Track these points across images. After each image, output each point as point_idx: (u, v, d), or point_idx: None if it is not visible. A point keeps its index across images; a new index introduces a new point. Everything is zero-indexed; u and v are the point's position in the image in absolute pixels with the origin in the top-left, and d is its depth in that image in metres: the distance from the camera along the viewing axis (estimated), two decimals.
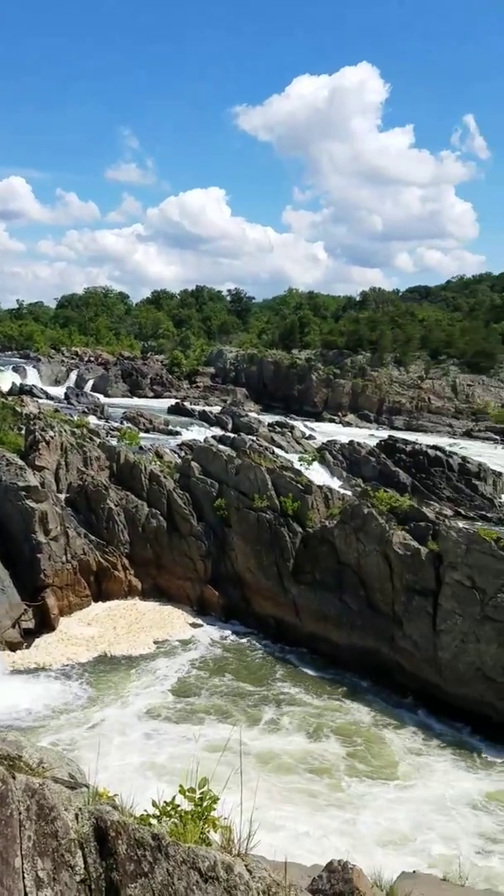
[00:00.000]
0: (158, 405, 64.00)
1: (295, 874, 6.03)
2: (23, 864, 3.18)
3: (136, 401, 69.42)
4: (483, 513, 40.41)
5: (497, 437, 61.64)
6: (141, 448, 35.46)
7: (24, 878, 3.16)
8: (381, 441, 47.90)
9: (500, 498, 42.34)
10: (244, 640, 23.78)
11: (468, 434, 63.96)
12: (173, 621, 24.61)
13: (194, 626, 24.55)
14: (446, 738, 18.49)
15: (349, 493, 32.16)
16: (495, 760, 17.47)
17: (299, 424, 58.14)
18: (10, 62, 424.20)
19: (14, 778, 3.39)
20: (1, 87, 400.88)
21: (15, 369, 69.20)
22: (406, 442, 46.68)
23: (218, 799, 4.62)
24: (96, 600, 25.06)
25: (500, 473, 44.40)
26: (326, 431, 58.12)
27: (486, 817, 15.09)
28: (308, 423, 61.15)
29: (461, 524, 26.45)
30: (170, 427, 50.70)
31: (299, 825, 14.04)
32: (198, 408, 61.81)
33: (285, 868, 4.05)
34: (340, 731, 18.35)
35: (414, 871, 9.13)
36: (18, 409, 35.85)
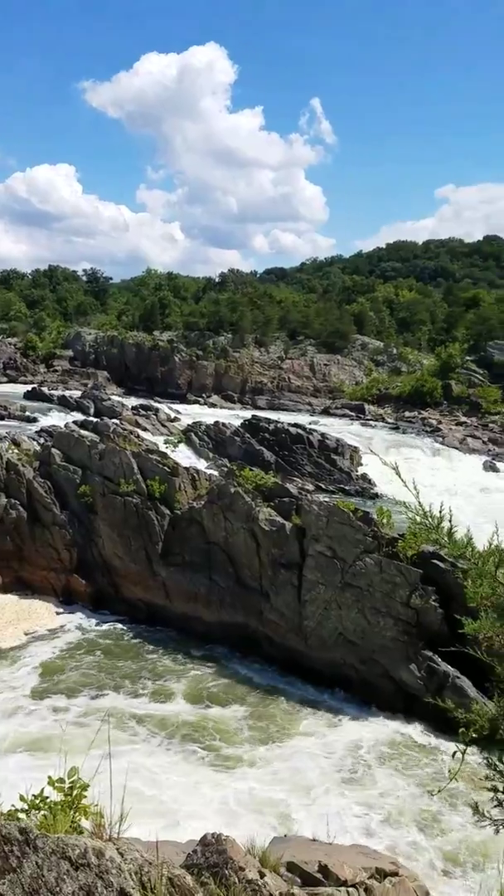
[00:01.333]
0: (13, 391, 61.11)
1: (169, 852, 6.11)
2: None
3: None
4: (342, 486, 42.23)
5: (352, 414, 64.37)
6: None
7: None
8: (245, 421, 48.64)
9: (357, 471, 44.40)
10: (114, 626, 23.54)
11: (326, 412, 66.32)
12: (38, 613, 23.86)
13: (61, 616, 23.95)
14: (314, 700, 19.36)
15: (216, 473, 32.47)
16: (358, 716, 18.50)
17: (164, 407, 57.72)
18: None
19: None
20: None
21: None
22: (269, 421, 47.73)
23: (87, 786, 4.59)
24: None
25: (357, 448, 46.52)
26: (191, 413, 58.14)
27: (349, 772, 15.95)
28: (173, 405, 60.82)
29: (322, 498, 27.55)
30: (27, 413, 48.64)
31: (179, 797, 14.21)
32: (57, 392, 59.72)
33: (157, 847, 4.09)
34: (213, 700, 18.82)
35: (286, 835, 9.51)
36: None
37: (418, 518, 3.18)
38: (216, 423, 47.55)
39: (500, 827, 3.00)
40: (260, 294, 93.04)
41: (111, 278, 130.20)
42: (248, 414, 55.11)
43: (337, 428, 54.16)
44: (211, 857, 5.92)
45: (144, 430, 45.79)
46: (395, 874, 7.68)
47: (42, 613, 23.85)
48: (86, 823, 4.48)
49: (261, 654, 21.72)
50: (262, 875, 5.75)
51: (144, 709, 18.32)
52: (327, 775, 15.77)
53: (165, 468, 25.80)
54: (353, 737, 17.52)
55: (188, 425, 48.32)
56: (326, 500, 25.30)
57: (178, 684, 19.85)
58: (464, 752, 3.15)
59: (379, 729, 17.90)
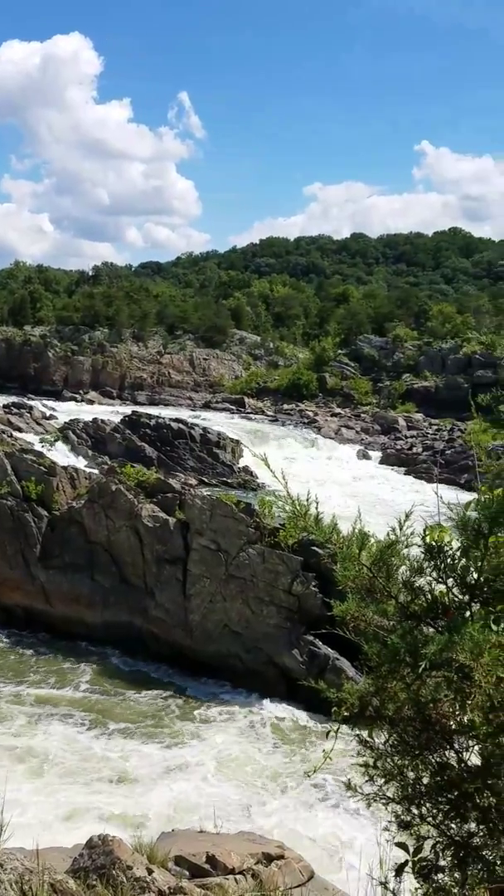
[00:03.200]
0: None
1: (55, 858, 5.97)
2: None
3: None
4: (224, 479, 42.59)
5: (233, 407, 65.02)
6: None
7: None
8: (125, 417, 47.92)
9: (238, 464, 44.93)
10: None
11: (207, 406, 66.60)
12: None
13: None
14: (201, 692, 19.48)
15: (96, 471, 31.78)
16: (244, 704, 18.79)
17: (38, 404, 55.72)
18: None
19: None
20: None
21: None
22: (150, 416, 47.31)
23: None
24: None
25: (238, 441, 47.06)
26: (68, 410, 56.52)
27: (233, 759, 16.20)
28: (48, 403, 58.83)
29: (205, 491, 27.67)
30: None
31: (61, 800, 13.88)
32: None
33: (37, 854, 4.01)
34: (98, 701, 18.50)
35: (173, 830, 9.53)
36: None
37: (287, 507, 3.29)
38: (95, 419, 46.55)
39: (371, 801, 3.16)
40: (136, 288, 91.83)
41: None
42: (128, 410, 54.31)
43: (218, 422, 54.53)
44: (98, 858, 5.85)
45: (18, 429, 44.03)
46: (282, 857, 7.89)
47: None
48: None
49: (148, 652, 21.55)
50: (150, 871, 5.75)
51: (25, 715, 17.71)
52: (212, 763, 15.91)
53: (42, 468, 24.97)
54: (238, 724, 17.79)
55: (65, 423, 47.00)
56: (209, 493, 25.44)
57: (63, 688, 19.35)
58: (336, 731, 3.28)
59: (263, 715, 18.27)
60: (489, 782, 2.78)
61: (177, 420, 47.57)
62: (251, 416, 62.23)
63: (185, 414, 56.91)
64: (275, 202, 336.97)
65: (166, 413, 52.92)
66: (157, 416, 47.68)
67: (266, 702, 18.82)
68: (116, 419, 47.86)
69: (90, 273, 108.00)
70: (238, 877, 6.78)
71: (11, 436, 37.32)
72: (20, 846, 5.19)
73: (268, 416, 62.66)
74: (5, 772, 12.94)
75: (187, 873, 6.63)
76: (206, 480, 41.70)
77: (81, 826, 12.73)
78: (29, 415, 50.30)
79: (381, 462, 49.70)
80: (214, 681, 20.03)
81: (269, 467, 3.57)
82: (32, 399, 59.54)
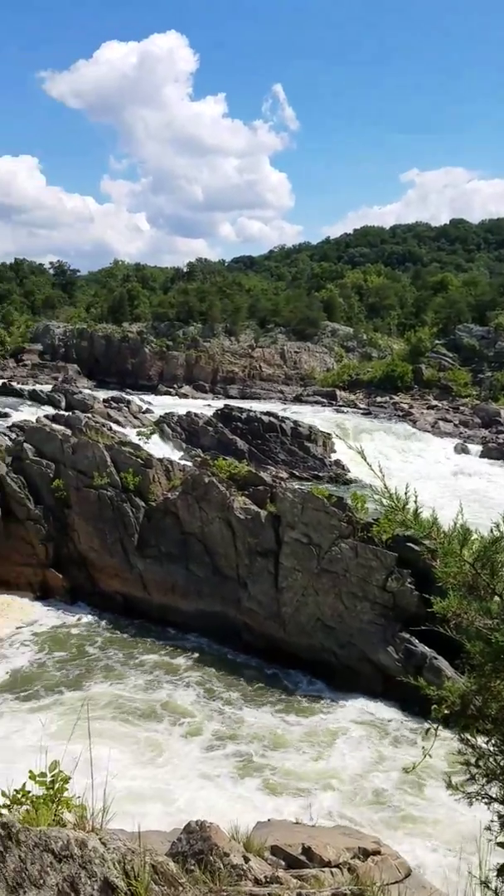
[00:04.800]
0: None
1: (154, 841, 6.16)
2: None
3: None
4: (315, 472, 42.45)
5: (324, 401, 64.63)
6: None
7: None
8: (217, 410, 48.58)
9: (330, 457, 44.64)
10: (92, 619, 23.46)
11: (298, 399, 66.50)
12: (15, 609, 23.67)
13: (38, 610, 23.79)
14: (294, 685, 19.53)
15: (189, 463, 32.42)
16: (338, 699, 18.71)
17: (135, 399, 57.39)
18: None
19: None
20: None
21: None
22: (241, 410, 47.73)
23: (69, 779, 4.60)
24: None
25: (329, 434, 46.74)
26: (163, 404, 57.91)
27: (328, 755, 16.16)
28: (144, 397, 60.52)
29: (296, 485, 27.70)
30: None
31: (163, 785, 14.28)
32: (27, 387, 59.00)
33: (139, 836, 4.14)
34: (193, 689, 18.88)
35: (269, 819, 9.62)
36: None
37: (385, 501, 3.23)
38: (188, 413, 47.42)
39: (473, 800, 3.09)
40: (229, 283, 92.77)
41: (78, 271, 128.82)
42: (220, 403, 55.05)
43: (309, 415, 54.36)
44: (195, 844, 5.99)
45: (116, 422, 45.50)
46: (378, 853, 7.82)
47: (19, 609, 23.67)
48: (69, 816, 4.50)
49: (240, 642, 21.82)
50: (246, 860, 5.82)
51: (124, 698, 18.33)
52: (308, 758, 15.94)
53: (139, 460, 25.70)
54: (333, 719, 17.73)
55: (160, 416, 48.13)
56: (300, 487, 25.43)
57: (159, 673, 19.88)
58: (437, 729, 3.22)
59: (358, 711, 18.12)
60: None
61: (268, 413, 47.75)
62: (343, 409, 61.64)
63: (276, 407, 57.06)
64: (370, 191, 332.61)
65: (257, 406, 53.20)
66: (249, 410, 48.01)
67: (361, 698, 18.65)
68: (209, 413, 48.59)
69: (184, 269, 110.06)
70: (334, 870, 6.77)
71: (111, 429, 38.60)
72: (120, 827, 5.39)
73: (360, 408, 61.89)
74: (108, 751, 13.42)
75: (283, 863, 6.68)
76: (297, 474, 41.70)
77: (174, 810, 13.08)
78: (127, 409, 51.88)
79: (482, 456, 48.08)
80: (307, 674, 20.04)
81: (365, 461, 3.52)
82: (130, 394, 61.37)
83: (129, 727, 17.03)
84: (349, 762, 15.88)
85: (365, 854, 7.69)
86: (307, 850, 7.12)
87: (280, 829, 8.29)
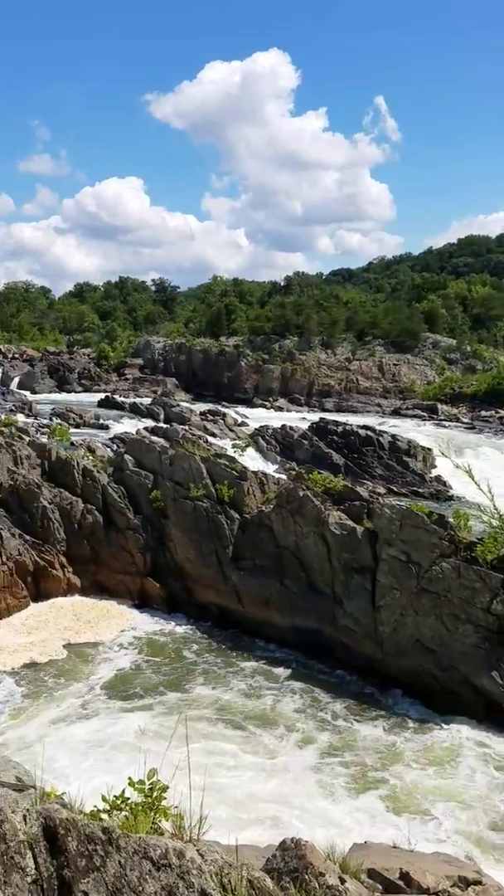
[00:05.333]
0: (88, 399, 62.85)
1: (249, 855, 6.13)
2: None
3: (64, 396, 67.95)
4: (415, 488, 41.48)
5: (424, 414, 63.17)
6: (72, 444, 34.83)
7: None
8: (312, 424, 48.47)
9: (431, 473, 43.53)
10: (187, 629, 23.81)
11: (397, 412, 65.35)
12: (114, 616, 24.38)
13: (136, 618, 24.40)
14: (392, 706, 19.06)
15: (284, 476, 32.50)
16: (438, 723, 18.10)
17: (231, 411, 58.19)
18: None
19: None
20: None
21: None
22: (337, 423, 47.40)
23: (167, 787, 4.65)
24: (35, 600, 24.56)
25: (430, 449, 45.61)
26: (258, 417, 58.39)
27: (429, 780, 15.64)
28: (240, 410, 61.25)
29: (394, 501, 27.15)
30: (101, 421, 49.90)
31: (259, 799, 14.26)
32: (128, 400, 60.99)
33: (236, 850, 4.12)
34: (290, 703, 18.74)
35: (365, 842, 9.38)
36: None
37: (494, 521, 3.10)
38: (283, 426, 47.55)
39: None
40: (326, 296, 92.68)
41: (178, 287, 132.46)
42: (315, 417, 54.90)
43: (408, 429, 53.30)
44: (290, 861, 5.91)
45: (213, 434, 46.24)
46: (479, 882, 7.47)
47: (118, 617, 24.35)
48: (166, 825, 4.55)
49: (336, 659, 21.52)
50: (342, 881, 5.69)
51: (227, 702, 18.49)
52: (410, 781, 15.50)
53: (234, 472, 25.97)
54: (445, 739, 17.22)
55: (255, 429, 48.50)
56: (399, 503, 24.91)
57: (259, 680, 19.93)
58: None
59: (466, 734, 17.50)
60: None
61: (364, 427, 47.15)
62: (444, 423, 60.03)
63: (373, 421, 56.32)
64: (475, 199, 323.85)
65: (354, 420, 52.67)
66: (345, 423, 47.60)
67: (465, 722, 17.99)
68: (304, 426, 48.54)
69: (282, 283, 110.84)
70: None
71: (207, 441, 39.29)
72: (215, 839, 5.40)
73: (463, 423, 60.09)
74: (204, 762, 13.56)
75: (380, 888, 6.49)
76: (395, 489, 40.91)
77: (269, 825, 13.00)
78: (223, 421, 52.67)
79: None
80: (406, 696, 19.51)
81: (472, 479, 3.39)
82: (226, 406, 62.28)
83: (235, 730, 17.21)
84: (470, 783, 15.39)
85: (465, 883, 7.35)
86: (405, 876, 6.88)
87: (377, 853, 8.07)
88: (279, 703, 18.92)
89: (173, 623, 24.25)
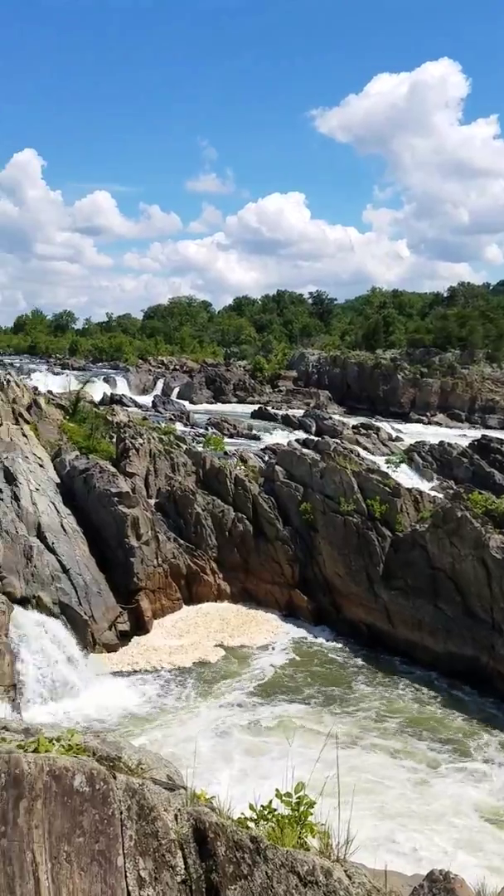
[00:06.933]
0: (242, 410, 64.61)
1: (395, 883, 5.90)
2: (125, 863, 3.25)
3: (220, 406, 70.32)
4: None
5: None
6: (226, 453, 35.82)
7: (126, 876, 3.23)
8: (473, 441, 46.43)
9: None
10: (335, 645, 23.59)
11: None
12: (262, 625, 24.69)
13: (284, 630, 24.53)
14: None
15: (440, 495, 31.36)
16: None
17: (385, 426, 57.27)
18: (92, 90, 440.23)
19: (115, 778, 3.47)
20: (85, 111, 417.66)
21: (105, 380, 71.51)
22: (501, 441, 45.08)
23: (314, 803, 4.58)
24: (187, 604, 25.47)
25: None
26: (414, 432, 56.99)
27: None
28: (395, 425, 60.16)
29: None
30: (253, 432, 51.04)
31: (400, 830, 13.79)
32: (281, 412, 61.90)
33: (385, 875, 3.97)
34: (438, 737, 17.94)
35: None
36: (109, 417, 36.98)
37: None
38: (441, 442, 45.98)
39: None
40: (493, 307, 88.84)
41: (335, 299, 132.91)
42: (476, 433, 52.61)
43: None
44: (438, 894, 5.63)
45: (365, 448, 45.71)
46: None
47: (266, 627, 24.64)
48: (312, 841, 4.48)
49: (494, 689, 20.37)
50: None
51: (367, 728, 18.09)
52: None
53: (387, 488, 25.44)
54: None
55: (411, 445, 47.31)
56: None
57: (404, 708, 19.32)
58: None
59: None
60: None
61: None
62: None
63: None
64: None
65: None
66: None
67: None
68: (464, 443, 46.63)
69: (445, 294, 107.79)
70: None
71: (359, 455, 38.85)
72: (361, 860, 5.24)
73: None
74: (351, 781, 13.33)
75: None
76: None
77: (416, 853, 12.50)
78: (376, 436, 51.93)
79: None
80: None
81: None
82: (380, 420, 61.41)
83: (383, 749, 16.86)
84: None
85: None
86: None
87: None
88: (431, 726, 18.23)
89: (321, 636, 24.14)
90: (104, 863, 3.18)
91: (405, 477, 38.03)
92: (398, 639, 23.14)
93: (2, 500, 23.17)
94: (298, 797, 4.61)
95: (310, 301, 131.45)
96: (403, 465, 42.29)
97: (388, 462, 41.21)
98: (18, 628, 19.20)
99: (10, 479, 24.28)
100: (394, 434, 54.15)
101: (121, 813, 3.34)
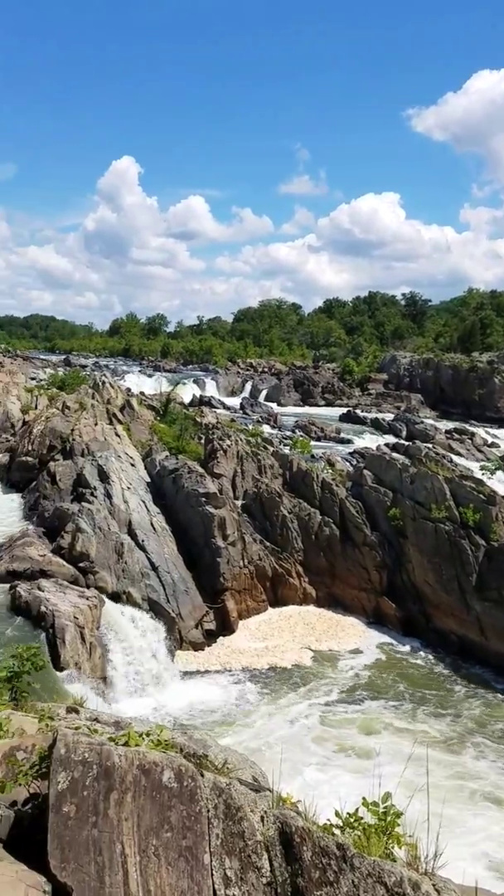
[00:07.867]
0: (330, 413, 64.10)
1: None
2: (211, 861, 3.28)
3: (307, 409, 70.04)
4: None
5: None
6: (313, 456, 35.69)
7: (212, 875, 3.26)
8: None
9: None
10: (424, 655, 23.05)
11: None
12: (349, 631, 24.42)
13: (371, 637, 24.18)
14: None
15: None
16: None
17: (480, 431, 55.44)
18: (188, 97, 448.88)
19: (202, 776, 3.50)
20: (181, 118, 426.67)
21: (195, 382, 72.75)
22: None
23: (402, 814, 4.49)
24: (272, 606, 25.52)
25: None
26: None
27: None
28: (490, 430, 58.10)
29: None
30: (341, 435, 50.54)
31: (491, 848, 13.33)
32: (370, 415, 61.01)
33: (476, 892, 3.83)
34: None
35: None
36: (198, 419, 37.59)
37: None
38: None
39: None
40: None
41: (430, 301, 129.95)
42: None
43: None
44: None
45: (458, 454, 44.44)
46: None
47: (352, 633, 24.36)
48: (399, 852, 4.39)
49: None
50: None
51: (459, 741, 17.59)
52: None
53: (481, 496, 24.63)
54: None
55: None
56: None
57: (496, 722, 18.66)
58: None
59: None
60: None
61: None
62: None
63: None
64: None
65: None
66: None
67: None
68: None
69: None
70: None
71: (451, 461, 37.82)
72: (449, 876, 5.09)
73: None
74: (441, 796, 12.99)
75: None
76: None
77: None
78: (470, 441, 50.39)
79: None
80: None
81: None
82: (474, 425, 59.48)
83: (476, 763, 16.38)
84: None
85: None
86: None
87: None
88: None
89: (409, 645, 23.65)
90: (191, 859, 3.22)
91: (501, 484, 36.72)
92: (490, 651, 22.35)
93: (95, 497, 23.98)
94: (385, 807, 4.52)
95: (402, 303, 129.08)
96: (499, 472, 40.86)
97: (482, 469, 39.94)
98: (110, 622, 19.78)
99: (104, 476, 25.10)
100: (489, 440, 52.38)
101: (208, 811, 3.37)
